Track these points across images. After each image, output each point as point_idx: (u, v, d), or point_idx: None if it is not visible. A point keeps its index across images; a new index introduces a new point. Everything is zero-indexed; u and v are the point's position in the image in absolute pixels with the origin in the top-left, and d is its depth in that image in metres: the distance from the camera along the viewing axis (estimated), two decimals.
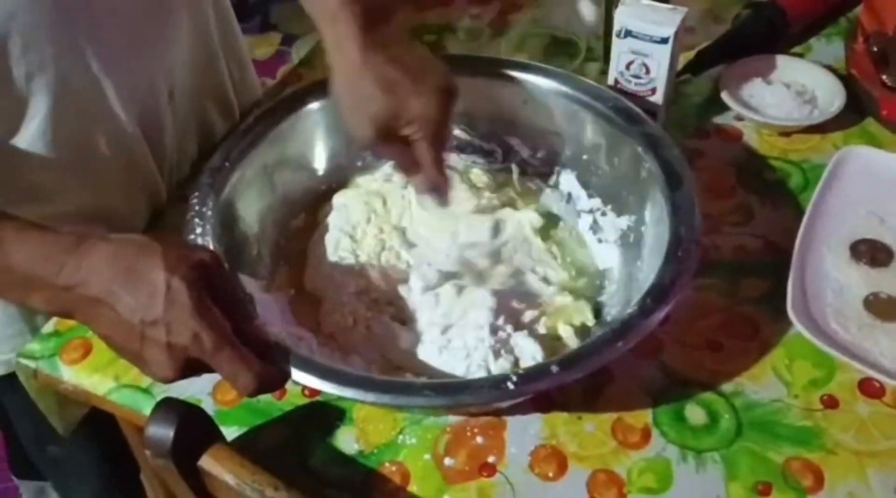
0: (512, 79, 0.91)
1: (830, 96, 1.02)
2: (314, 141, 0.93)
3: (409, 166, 0.81)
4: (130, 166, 0.89)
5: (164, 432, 0.63)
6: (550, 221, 0.91)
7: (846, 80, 1.03)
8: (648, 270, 0.76)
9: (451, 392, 0.68)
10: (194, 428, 0.65)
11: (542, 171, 0.94)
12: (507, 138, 0.94)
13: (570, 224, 0.91)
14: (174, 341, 0.61)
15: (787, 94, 1.02)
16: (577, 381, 0.69)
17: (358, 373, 0.71)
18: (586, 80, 0.91)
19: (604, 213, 0.89)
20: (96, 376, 0.80)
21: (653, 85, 0.98)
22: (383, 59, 0.76)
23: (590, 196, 0.90)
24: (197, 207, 0.80)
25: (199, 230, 0.78)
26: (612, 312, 0.81)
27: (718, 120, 1.03)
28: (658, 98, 0.98)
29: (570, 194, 0.92)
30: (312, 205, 0.93)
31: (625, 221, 0.86)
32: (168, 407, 0.64)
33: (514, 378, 0.66)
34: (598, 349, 0.69)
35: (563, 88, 0.90)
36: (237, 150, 0.86)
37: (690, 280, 0.73)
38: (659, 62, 0.96)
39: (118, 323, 0.62)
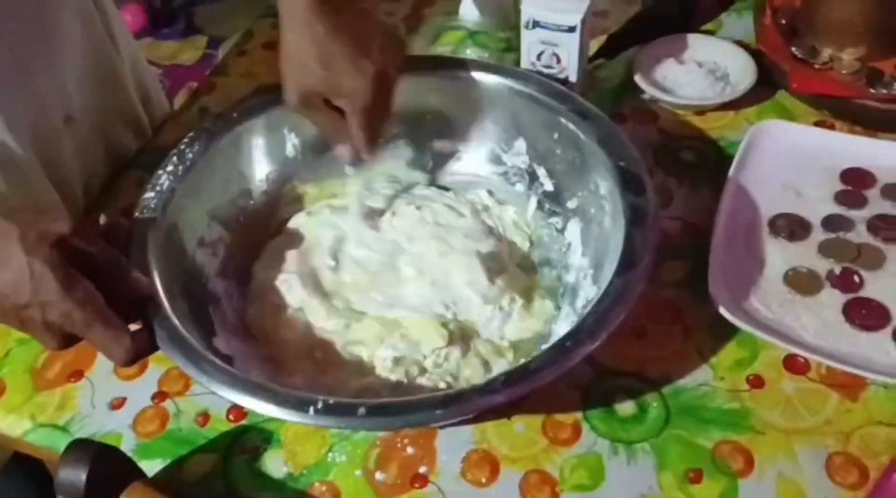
0: (547, 105, 0.86)
1: (742, 72, 1.02)
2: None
3: (334, 135, 0.83)
4: (26, 194, 0.86)
5: (75, 476, 0.61)
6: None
7: (757, 54, 1.03)
8: None
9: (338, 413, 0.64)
10: (108, 468, 0.63)
11: (554, 210, 0.89)
12: (535, 166, 0.90)
13: (556, 277, 0.85)
14: (50, 320, 0.63)
15: (699, 72, 1.02)
16: None
17: (242, 376, 0.68)
18: (597, 113, 0.84)
19: (585, 276, 0.81)
20: (11, 417, 0.78)
21: (565, 73, 0.97)
22: (327, 29, 0.75)
23: (583, 254, 0.83)
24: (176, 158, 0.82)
25: (170, 167, 0.81)
26: None
27: (634, 103, 1.03)
28: (571, 86, 0.98)
29: (570, 245, 0.86)
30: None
31: (594, 291, 0.76)
32: (78, 449, 0.63)
33: (363, 410, 0.64)
34: (473, 397, 0.65)
35: (572, 127, 0.84)
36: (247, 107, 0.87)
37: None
38: (569, 51, 0.96)
39: None
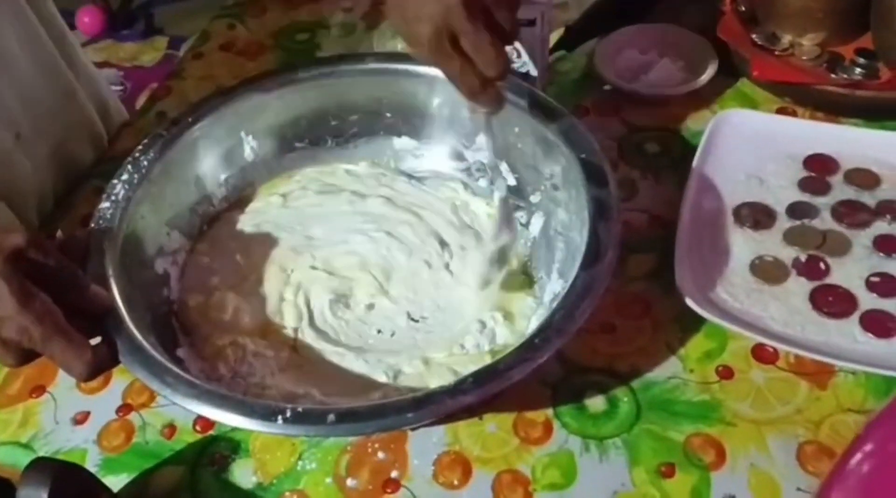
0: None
1: (704, 61, 1.01)
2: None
3: (469, 84, 0.73)
4: None
5: (36, 496, 0.59)
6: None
7: (718, 43, 1.03)
8: None
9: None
10: (71, 486, 0.61)
11: (518, 204, 0.87)
12: (497, 161, 0.87)
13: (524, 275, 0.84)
14: (5, 336, 0.61)
15: (660, 62, 1.02)
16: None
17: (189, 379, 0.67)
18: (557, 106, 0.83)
19: (551, 271, 0.80)
20: None
21: (526, 68, 0.96)
22: None
23: (548, 249, 0.83)
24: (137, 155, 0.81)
25: (125, 176, 0.80)
26: None
27: (596, 95, 1.02)
28: (533, 81, 0.97)
29: (535, 239, 0.85)
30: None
31: (561, 285, 0.76)
32: (39, 467, 0.61)
33: (333, 417, 0.63)
34: (444, 398, 0.64)
35: (532, 121, 0.83)
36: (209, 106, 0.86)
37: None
38: (529, 44, 0.95)
39: None
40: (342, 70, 0.91)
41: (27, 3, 0.92)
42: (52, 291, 0.63)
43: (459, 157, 0.91)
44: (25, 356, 0.63)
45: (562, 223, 0.81)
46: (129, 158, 0.81)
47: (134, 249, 0.78)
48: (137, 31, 2.93)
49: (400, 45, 1.11)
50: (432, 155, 0.92)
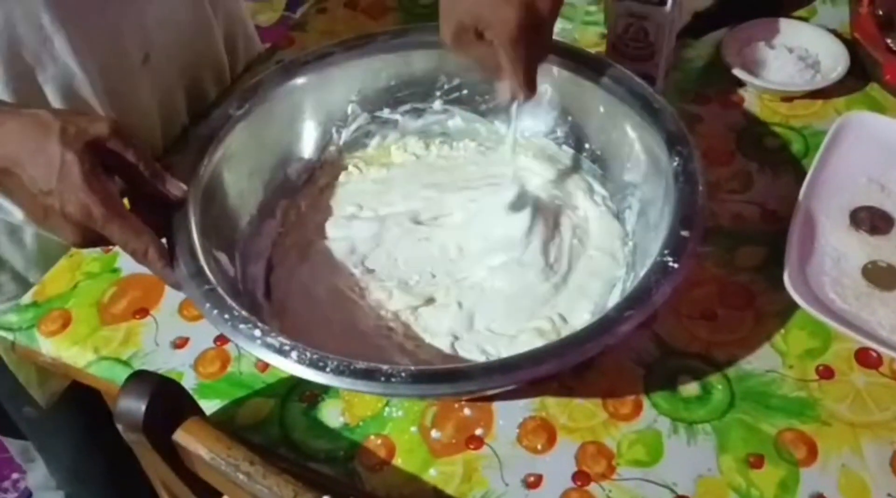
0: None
1: (834, 61, 0.99)
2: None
3: (490, 70, 0.79)
4: None
5: (135, 406, 0.61)
6: None
7: (850, 44, 1.00)
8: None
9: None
10: (168, 401, 0.63)
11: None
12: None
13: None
14: (67, 211, 0.65)
15: (789, 58, 0.99)
16: None
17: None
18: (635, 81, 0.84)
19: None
20: (75, 349, 0.79)
21: (651, 49, 0.95)
22: None
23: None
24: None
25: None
26: None
27: (719, 85, 1.00)
28: (657, 63, 0.96)
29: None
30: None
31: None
32: (140, 380, 0.63)
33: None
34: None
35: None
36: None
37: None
38: (657, 26, 0.93)
39: (24, 192, 0.66)
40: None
41: None
42: (127, 180, 0.68)
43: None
44: (86, 236, 0.67)
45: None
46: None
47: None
48: None
49: None
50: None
